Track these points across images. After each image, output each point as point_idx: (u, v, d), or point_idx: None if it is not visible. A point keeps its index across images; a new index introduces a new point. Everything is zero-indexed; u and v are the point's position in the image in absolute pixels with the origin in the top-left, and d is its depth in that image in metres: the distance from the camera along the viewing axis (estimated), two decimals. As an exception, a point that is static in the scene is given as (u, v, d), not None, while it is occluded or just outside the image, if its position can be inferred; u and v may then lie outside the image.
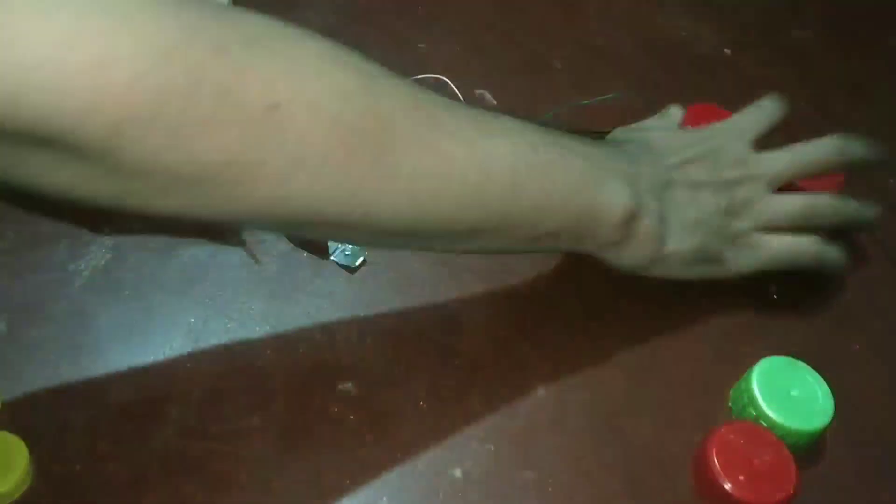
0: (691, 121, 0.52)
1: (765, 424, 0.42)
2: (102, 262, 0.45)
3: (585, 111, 0.58)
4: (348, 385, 0.43)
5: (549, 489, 0.41)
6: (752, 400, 0.43)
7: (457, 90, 0.53)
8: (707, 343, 0.48)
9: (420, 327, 0.46)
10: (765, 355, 0.45)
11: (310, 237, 0.46)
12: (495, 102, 0.58)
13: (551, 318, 0.48)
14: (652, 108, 0.59)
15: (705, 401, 0.46)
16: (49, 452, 0.38)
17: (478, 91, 0.58)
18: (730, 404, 0.45)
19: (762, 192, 0.46)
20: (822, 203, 0.48)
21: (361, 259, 0.48)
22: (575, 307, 0.48)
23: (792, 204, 0.47)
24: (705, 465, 0.41)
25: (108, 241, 0.46)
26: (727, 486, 0.40)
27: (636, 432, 0.44)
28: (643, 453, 0.43)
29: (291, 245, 0.48)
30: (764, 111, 0.49)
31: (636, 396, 0.45)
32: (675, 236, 0.44)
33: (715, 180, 0.46)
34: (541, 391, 0.44)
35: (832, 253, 0.48)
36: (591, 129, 0.49)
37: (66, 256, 0.45)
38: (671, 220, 0.44)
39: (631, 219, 0.42)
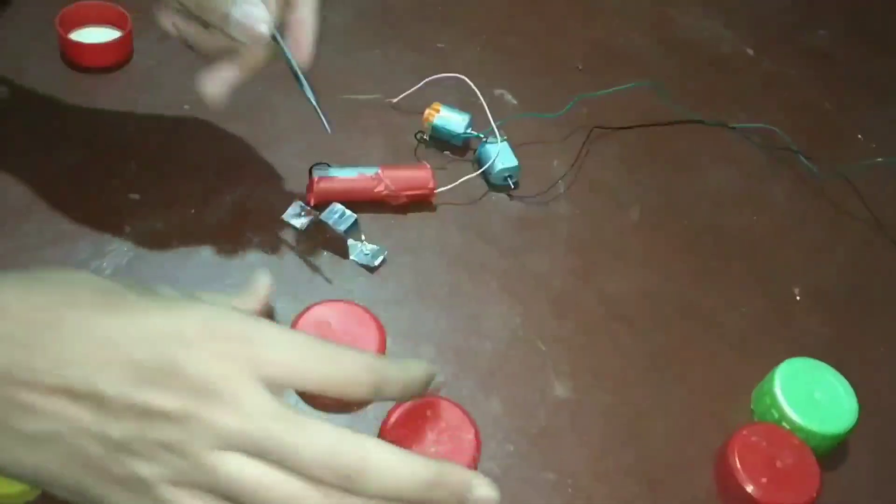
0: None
1: (787, 427, 0.42)
2: (125, 261, 0.45)
3: (605, 104, 0.57)
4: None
5: (569, 490, 0.41)
6: (775, 402, 0.43)
7: (476, 89, 0.53)
8: (729, 345, 0.48)
9: (439, 327, 0.46)
10: (788, 357, 0.45)
11: None
12: (515, 102, 0.58)
13: (570, 317, 0.47)
14: (669, 107, 0.59)
15: (727, 403, 0.45)
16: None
17: (497, 90, 0.58)
18: (752, 406, 0.45)
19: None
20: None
21: (381, 259, 0.48)
22: (595, 308, 0.48)
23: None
24: (727, 466, 0.40)
25: (130, 239, 0.46)
26: (749, 489, 0.40)
27: (656, 434, 0.44)
28: (663, 455, 0.43)
29: (312, 244, 0.48)
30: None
31: (656, 398, 0.45)
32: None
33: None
34: (560, 392, 0.44)
35: None
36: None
37: (89, 254, 0.45)
38: None
39: None
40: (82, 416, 0.31)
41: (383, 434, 0.38)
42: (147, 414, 0.31)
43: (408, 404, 0.39)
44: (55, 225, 0.46)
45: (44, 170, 0.48)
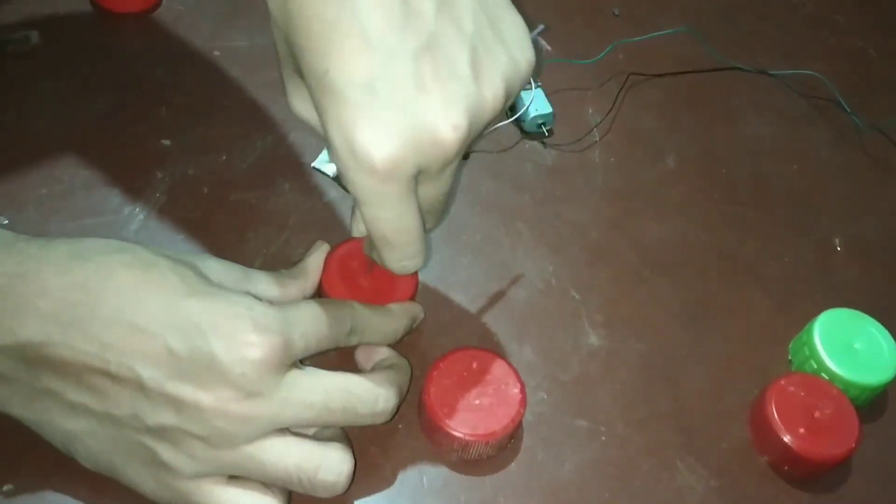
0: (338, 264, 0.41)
1: (826, 377, 0.41)
2: (156, 207, 0.45)
3: (642, 50, 0.56)
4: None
5: (603, 437, 0.41)
6: (814, 352, 0.42)
7: (510, 34, 0.52)
8: (767, 294, 0.47)
9: (471, 275, 0.45)
10: (827, 308, 0.44)
11: None
12: (549, 48, 0.57)
13: (604, 266, 0.47)
14: (708, 53, 0.57)
15: (764, 353, 0.45)
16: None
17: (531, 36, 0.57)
18: (790, 357, 0.44)
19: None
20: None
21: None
22: (629, 255, 0.47)
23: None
24: (763, 416, 0.40)
25: (162, 184, 0.46)
26: (786, 439, 0.39)
27: (692, 383, 0.43)
28: (699, 405, 0.42)
29: (343, 190, 0.47)
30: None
31: (692, 347, 0.44)
32: None
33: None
34: (594, 340, 0.44)
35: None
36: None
37: (121, 200, 0.45)
38: None
39: None
40: (120, 397, 0.32)
41: (428, 384, 0.38)
42: (182, 406, 0.31)
43: (455, 355, 0.39)
44: (87, 171, 0.46)
45: (74, 115, 0.48)
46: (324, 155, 0.48)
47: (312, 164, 0.48)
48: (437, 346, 0.42)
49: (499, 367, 0.39)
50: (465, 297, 0.44)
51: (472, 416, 0.37)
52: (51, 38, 0.52)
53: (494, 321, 0.44)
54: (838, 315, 0.43)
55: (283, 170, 0.48)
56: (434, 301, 0.43)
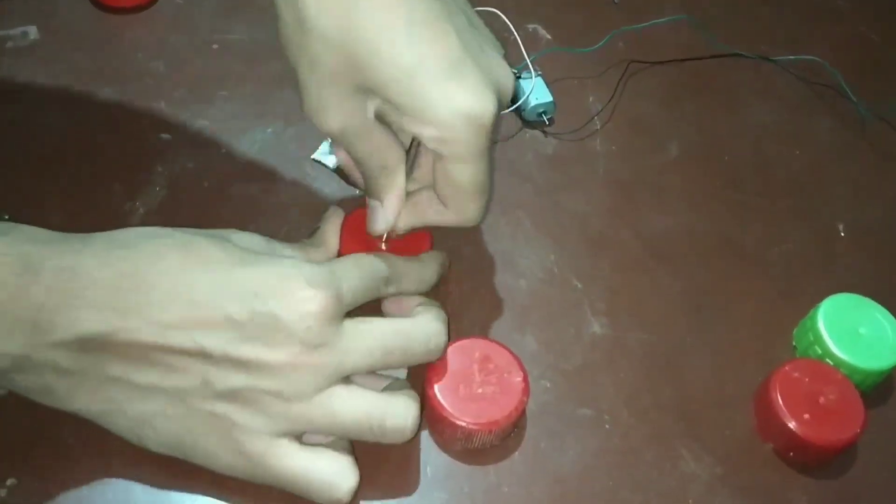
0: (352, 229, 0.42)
1: (831, 363, 0.41)
2: (157, 201, 0.45)
3: (642, 38, 0.56)
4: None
5: (606, 426, 0.40)
6: (819, 337, 0.42)
7: (509, 23, 0.52)
8: (771, 281, 0.47)
9: (474, 265, 0.45)
10: (831, 293, 0.43)
11: None
12: (549, 36, 0.56)
13: (606, 255, 0.47)
14: (708, 40, 0.57)
15: (768, 340, 0.44)
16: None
17: (530, 25, 0.57)
18: (794, 343, 0.44)
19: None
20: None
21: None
22: (631, 244, 0.47)
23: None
24: (768, 403, 0.40)
25: (162, 179, 0.46)
26: (791, 425, 0.39)
27: (695, 371, 0.43)
28: (702, 393, 0.42)
29: (343, 183, 0.47)
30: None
31: (695, 335, 0.44)
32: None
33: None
34: (596, 329, 0.44)
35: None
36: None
37: (121, 196, 0.45)
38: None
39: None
40: (187, 369, 0.33)
41: (431, 374, 0.38)
42: (251, 366, 0.33)
43: (457, 344, 0.39)
44: (87, 166, 0.46)
45: (74, 111, 0.48)
46: (323, 147, 0.48)
47: (312, 157, 0.48)
48: (439, 337, 0.41)
49: (502, 356, 0.38)
50: (467, 288, 0.44)
51: (476, 406, 0.37)
52: (49, 34, 0.51)
53: (496, 311, 0.44)
54: (842, 300, 0.43)
55: (283, 162, 0.48)
56: (435, 292, 0.43)
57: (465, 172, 0.37)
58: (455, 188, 0.38)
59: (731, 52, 0.57)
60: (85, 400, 0.33)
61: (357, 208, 0.43)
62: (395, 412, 0.35)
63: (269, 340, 0.32)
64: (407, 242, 0.42)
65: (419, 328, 0.36)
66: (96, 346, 0.32)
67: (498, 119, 0.37)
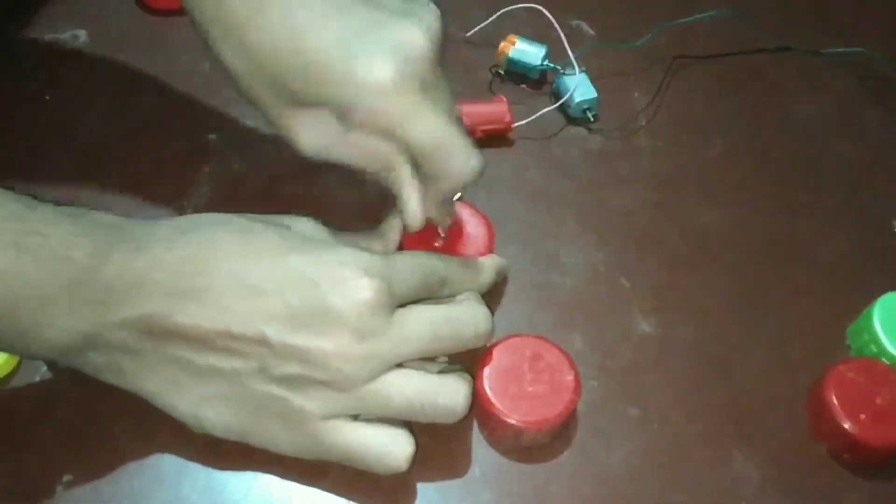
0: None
1: (887, 362, 0.40)
2: (204, 201, 0.45)
3: (687, 33, 0.55)
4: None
5: (655, 426, 0.40)
6: (874, 336, 0.41)
7: (552, 19, 0.51)
8: (822, 279, 0.46)
9: (518, 264, 0.45)
10: (885, 291, 0.43)
11: None
12: (593, 32, 0.56)
13: (653, 253, 0.46)
14: (754, 34, 0.56)
15: (821, 339, 0.43)
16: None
17: (574, 21, 0.56)
18: (848, 342, 0.43)
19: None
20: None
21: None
22: (678, 241, 0.47)
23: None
24: (822, 403, 0.39)
25: (209, 179, 0.46)
26: (846, 425, 0.38)
27: (745, 371, 0.42)
28: (753, 392, 0.42)
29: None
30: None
31: (745, 334, 0.43)
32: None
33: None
34: (644, 327, 0.43)
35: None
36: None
37: (168, 196, 0.45)
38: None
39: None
40: (246, 354, 0.33)
41: (481, 371, 0.38)
42: (305, 355, 0.33)
43: (508, 342, 0.38)
44: (135, 167, 0.46)
45: (122, 113, 0.49)
46: (368, 146, 0.48)
47: (357, 156, 0.48)
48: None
49: (552, 354, 0.38)
50: (513, 287, 0.44)
51: (526, 404, 0.37)
52: (98, 37, 0.52)
53: (542, 310, 0.43)
54: (898, 298, 0.42)
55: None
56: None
57: (414, 135, 0.36)
58: (424, 155, 0.37)
59: (777, 46, 0.57)
60: (150, 379, 0.34)
61: None
62: (447, 393, 0.35)
63: (322, 328, 0.33)
64: (467, 244, 0.42)
65: (468, 314, 0.36)
66: (160, 326, 0.33)
67: (416, 69, 0.36)
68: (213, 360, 0.33)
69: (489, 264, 0.41)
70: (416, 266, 0.36)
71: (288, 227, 0.37)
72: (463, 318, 0.36)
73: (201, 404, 0.34)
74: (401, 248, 0.41)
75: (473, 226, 0.43)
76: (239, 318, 0.33)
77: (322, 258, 0.34)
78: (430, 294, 0.37)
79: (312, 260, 0.34)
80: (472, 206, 0.44)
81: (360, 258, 0.34)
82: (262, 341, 0.33)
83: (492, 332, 0.37)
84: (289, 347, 0.33)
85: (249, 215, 0.36)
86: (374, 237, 0.41)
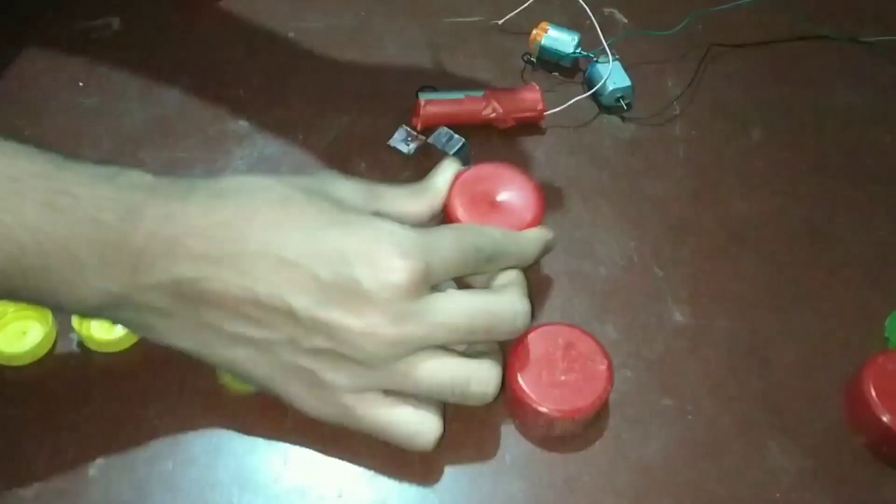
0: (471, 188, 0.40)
1: (928, 355, 0.39)
2: (236, 187, 0.45)
3: (723, 20, 0.54)
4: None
5: (690, 416, 0.39)
6: (915, 328, 0.40)
7: (586, 6, 0.51)
8: (860, 269, 0.45)
9: (552, 251, 0.44)
10: (927, 282, 0.42)
11: None
12: (626, 20, 0.55)
13: (688, 242, 0.45)
14: (792, 21, 0.55)
15: (859, 330, 0.43)
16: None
17: (607, 9, 0.56)
18: (886, 334, 0.42)
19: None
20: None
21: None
22: (714, 230, 0.46)
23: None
24: (860, 395, 0.38)
25: (241, 165, 0.46)
26: (885, 418, 0.37)
27: (782, 361, 0.42)
28: (790, 383, 0.41)
29: (420, 170, 0.47)
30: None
31: (782, 324, 0.43)
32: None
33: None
34: (678, 317, 0.43)
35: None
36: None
37: (202, 182, 0.45)
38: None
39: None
40: (275, 324, 0.33)
41: (513, 359, 0.37)
42: (333, 330, 0.33)
43: (540, 330, 0.38)
44: (169, 152, 0.47)
45: (156, 99, 0.49)
46: (398, 134, 0.48)
47: (388, 143, 0.48)
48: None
49: (585, 343, 0.38)
50: (546, 275, 0.43)
51: (558, 393, 0.36)
52: (131, 24, 0.52)
53: (576, 298, 0.43)
54: (940, 290, 0.41)
55: (360, 148, 0.48)
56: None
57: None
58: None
59: (816, 34, 0.56)
60: (182, 339, 0.34)
61: (471, 167, 0.41)
62: (479, 377, 0.35)
63: (351, 306, 0.32)
64: (515, 211, 0.40)
65: (507, 309, 0.35)
66: (190, 291, 0.33)
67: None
68: (243, 328, 0.33)
69: (537, 238, 0.40)
70: (459, 245, 0.35)
71: (327, 194, 0.35)
72: (502, 312, 0.35)
73: (235, 366, 0.35)
74: (449, 215, 0.40)
75: (524, 194, 0.40)
76: (268, 287, 0.32)
77: (359, 233, 0.33)
78: (474, 271, 0.37)
79: (347, 234, 0.33)
80: (524, 172, 0.42)
81: (398, 236, 0.33)
82: (290, 313, 0.33)
83: (527, 328, 0.37)
84: (316, 321, 0.32)
85: (290, 180, 0.35)
86: (420, 192, 0.39)
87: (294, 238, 0.33)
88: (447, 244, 0.35)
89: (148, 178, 0.34)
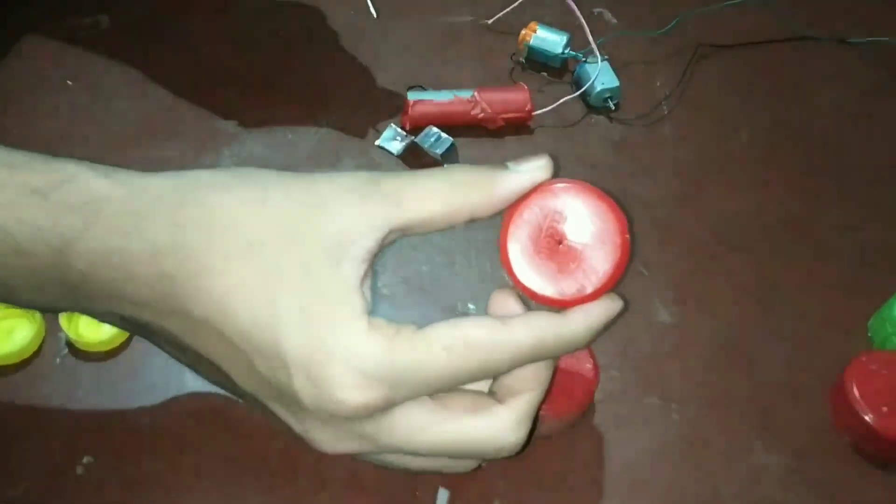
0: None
1: (911, 355, 0.40)
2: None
3: (711, 21, 0.54)
4: (469, 307, 0.43)
5: (675, 416, 0.40)
6: (898, 329, 0.40)
7: (574, 6, 0.51)
8: (844, 269, 0.45)
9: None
10: (910, 283, 0.42)
11: None
12: (615, 20, 0.56)
13: (674, 243, 0.46)
14: (780, 23, 0.55)
15: (842, 330, 0.43)
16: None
17: (596, 9, 0.56)
18: (870, 334, 0.43)
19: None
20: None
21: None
22: (701, 233, 0.46)
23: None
24: (844, 395, 0.39)
25: (230, 163, 0.46)
26: (868, 418, 0.38)
27: (766, 361, 0.42)
28: (775, 383, 0.41)
29: (408, 169, 0.47)
30: None
31: (766, 324, 0.43)
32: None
33: None
34: (665, 317, 0.43)
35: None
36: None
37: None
38: None
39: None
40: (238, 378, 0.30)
41: None
42: (279, 415, 0.30)
43: None
44: (159, 151, 0.47)
45: (146, 98, 0.49)
46: (388, 133, 0.48)
47: (376, 143, 0.48)
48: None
49: None
50: (533, 274, 0.44)
51: None
52: (120, 23, 0.52)
53: (562, 298, 0.43)
54: (923, 290, 0.41)
55: (348, 148, 0.48)
56: (497, 278, 0.43)
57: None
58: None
59: (803, 35, 0.56)
60: (163, 347, 0.33)
61: (533, 192, 0.30)
62: (454, 467, 0.31)
63: (290, 410, 0.28)
64: (589, 266, 0.30)
65: (489, 442, 0.29)
66: (138, 323, 0.31)
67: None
68: (202, 370, 0.32)
69: (591, 327, 0.29)
70: (453, 373, 0.27)
71: (320, 228, 0.28)
72: (482, 447, 0.29)
73: (218, 381, 0.32)
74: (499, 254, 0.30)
75: (607, 237, 0.30)
76: (212, 356, 0.29)
77: (313, 336, 0.27)
78: (474, 382, 0.29)
79: (300, 332, 0.27)
80: (613, 204, 0.31)
81: (360, 357, 0.26)
82: (226, 383, 0.30)
83: (519, 451, 0.30)
84: (260, 402, 0.30)
85: (280, 203, 0.29)
86: (471, 187, 0.29)
87: (240, 318, 0.27)
88: (433, 372, 0.27)
89: (99, 187, 0.29)
